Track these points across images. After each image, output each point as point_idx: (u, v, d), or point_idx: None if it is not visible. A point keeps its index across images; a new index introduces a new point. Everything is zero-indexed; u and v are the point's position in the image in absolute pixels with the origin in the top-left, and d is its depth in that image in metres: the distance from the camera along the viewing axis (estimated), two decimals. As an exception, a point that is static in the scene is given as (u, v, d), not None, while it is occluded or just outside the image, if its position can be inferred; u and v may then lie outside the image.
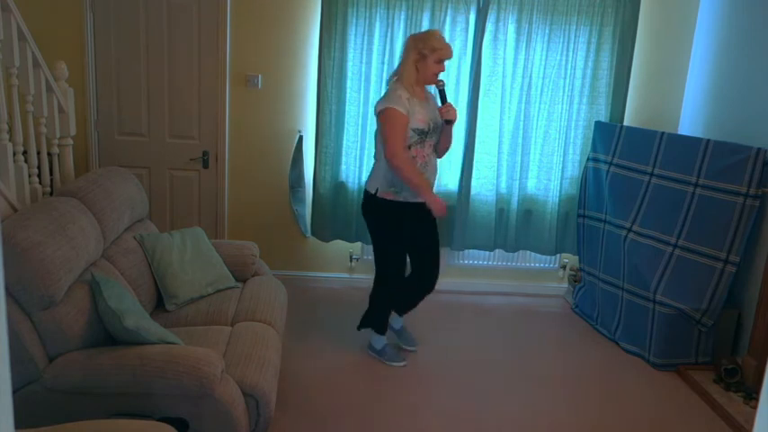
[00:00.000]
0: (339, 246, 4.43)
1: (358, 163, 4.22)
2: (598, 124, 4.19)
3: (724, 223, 3.41)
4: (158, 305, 3.01)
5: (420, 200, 3.12)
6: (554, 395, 3.24)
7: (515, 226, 4.39)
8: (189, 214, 4.33)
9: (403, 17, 4.04)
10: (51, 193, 3.06)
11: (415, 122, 3.05)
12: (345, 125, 4.17)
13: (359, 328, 3.47)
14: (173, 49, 4.10)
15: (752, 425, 2.50)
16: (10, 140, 2.71)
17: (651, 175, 3.77)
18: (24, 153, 2.89)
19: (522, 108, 4.21)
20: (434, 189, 3.29)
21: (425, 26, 4.04)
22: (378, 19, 4.04)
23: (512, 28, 4.11)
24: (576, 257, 4.43)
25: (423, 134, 3.08)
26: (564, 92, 4.21)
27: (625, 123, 4.28)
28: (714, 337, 3.59)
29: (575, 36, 4.13)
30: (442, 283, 3.72)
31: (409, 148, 3.08)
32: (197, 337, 2.64)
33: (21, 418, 1.11)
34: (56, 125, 3.15)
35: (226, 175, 4.29)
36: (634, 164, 3.87)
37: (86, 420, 2.04)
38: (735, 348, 3.66)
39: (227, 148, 4.26)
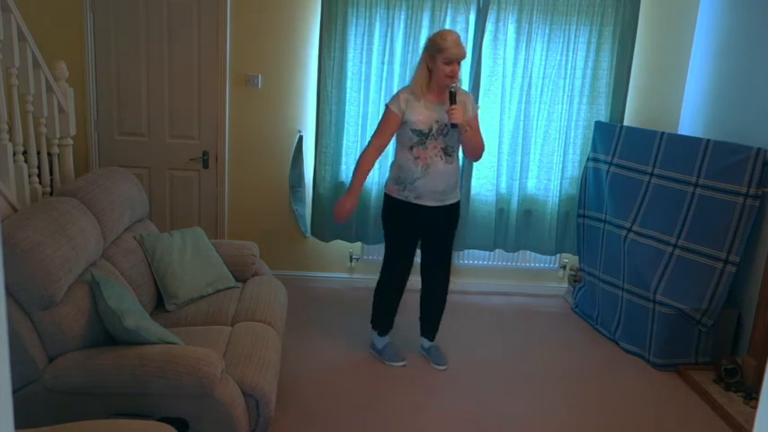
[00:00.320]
0: (339, 246, 4.43)
1: (358, 163, 4.22)
2: (598, 124, 4.19)
3: (724, 223, 3.42)
4: (158, 305, 3.01)
5: (423, 203, 3.14)
6: (554, 395, 3.24)
7: (515, 226, 4.39)
8: (189, 214, 4.33)
9: (403, 17, 4.04)
10: (51, 193, 3.06)
11: (413, 123, 3.06)
12: (345, 125, 4.17)
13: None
14: (173, 49, 4.10)
15: (752, 425, 2.51)
16: (10, 140, 2.71)
17: (651, 175, 3.77)
18: (24, 153, 2.89)
19: (522, 108, 4.22)
20: (440, 192, 3.16)
21: (425, 26, 4.05)
22: (378, 19, 4.04)
23: (512, 28, 4.11)
24: (576, 257, 4.44)
25: (422, 135, 3.07)
26: (564, 92, 4.21)
27: (625, 123, 4.28)
28: (714, 337, 3.59)
29: (575, 36, 4.13)
30: (442, 283, 3.72)
31: (411, 148, 3.09)
32: (197, 337, 2.63)
33: (21, 418, 1.11)
34: (56, 125, 3.15)
35: (226, 175, 4.30)
36: (634, 164, 3.87)
37: (86, 420, 2.04)
38: (735, 348, 3.66)
39: (227, 148, 4.26)
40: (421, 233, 3.28)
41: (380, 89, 4.12)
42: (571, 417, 3.06)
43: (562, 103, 4.23)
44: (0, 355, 0.65)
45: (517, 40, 4.13)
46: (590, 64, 4.17)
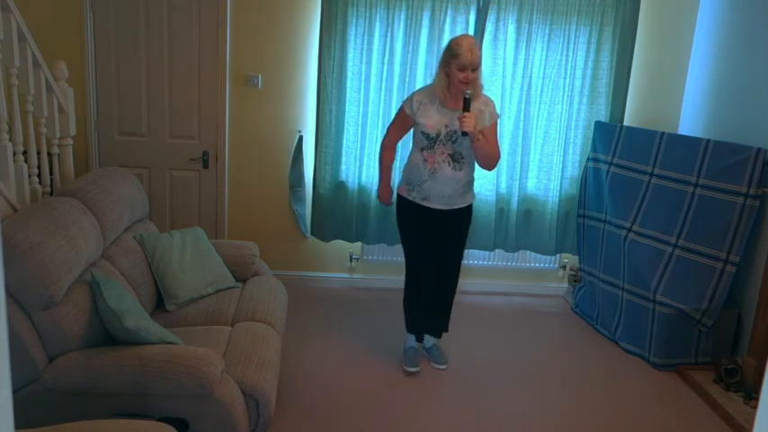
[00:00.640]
0: (339, 246, 4.43)
1: (358, 163, 4.22)
2: (598, 124, 4.19)
3: (724, 223, 3.42)
4: (158, 305, 3.01)
5: (430, 205, 3.14)
6: (554, 395, 3.24)
7: (515, 226, 4.39)
8: (189, 214, 4.33)
9: (403, 17, 4.04)
10: (51, 194, 3.06)
11: (422, 126, 3.08)
12: (345, 125, 4.17)
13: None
14: (173, 49, 4.10)
15: (752, 425, 2.51)
16: (10, 140, 2.71)
17: (651, 175, 3.77)
18: (24, 153, 2.89)
19: (522, 108, 4.21)
20: (447, 197, 3.15)
21: (425, 26, 4.05)
22: (378, 19, 4.04)
23: (512, 28, 4.11)
24: (576, 257, 4.44)
25: (430, 139, 3.07)
26: (564, 92, 4.21)
27: (625, 123, 4.28)
28: (714, 337, 3.59)
29: (575, 36, 4.13)
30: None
31: (422, 150, 3.11)
32: (197, 337, 2.63)
33: (21, 418, 1.11)
34: (56, 125, 3.15)
35: (226, 175, 4.29)
36: (634, 164, 3.87)
37: (86, 420, 2.04)
38: (735, 348, 3.66)
39: (227, 148, 4.26)
40: (431, 234, 3.25)
41: (380, 89, 4.12)
42: (571, 417, 3.06)
43: (562, 103, 4.23)
44: (0, 355, 0.65)
45: (517, 40, 4.12)
46: (590, 64, 4.17)
